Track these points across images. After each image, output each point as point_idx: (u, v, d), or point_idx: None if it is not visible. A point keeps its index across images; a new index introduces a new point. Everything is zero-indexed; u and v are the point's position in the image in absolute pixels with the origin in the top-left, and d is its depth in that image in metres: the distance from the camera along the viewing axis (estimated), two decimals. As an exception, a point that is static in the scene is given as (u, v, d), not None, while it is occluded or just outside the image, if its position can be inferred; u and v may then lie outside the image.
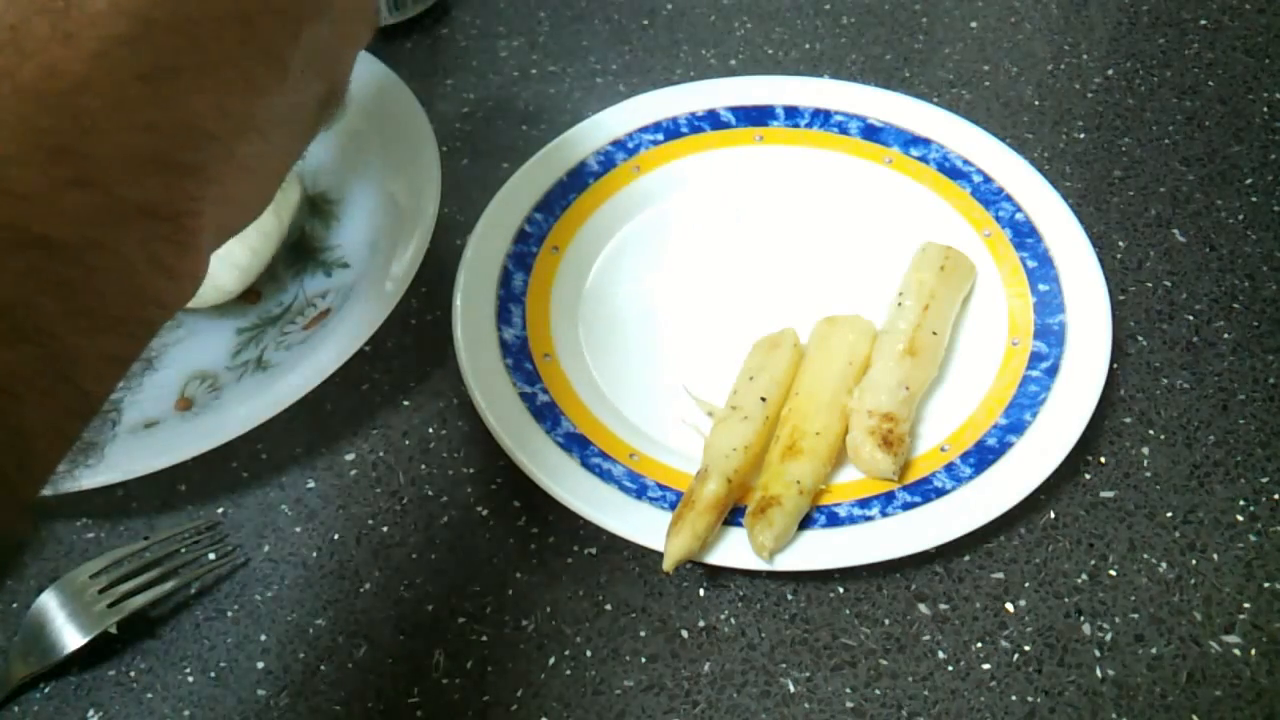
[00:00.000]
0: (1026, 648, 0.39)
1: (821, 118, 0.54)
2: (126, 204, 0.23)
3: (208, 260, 0.26)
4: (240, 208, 0.28)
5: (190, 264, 0.25)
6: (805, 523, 0.40)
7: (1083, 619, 0.40)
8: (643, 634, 0.40)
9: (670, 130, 0.53)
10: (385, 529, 0.43)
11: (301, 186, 0.51)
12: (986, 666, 0.39)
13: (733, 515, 0.40)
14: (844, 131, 0.53)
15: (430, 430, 0.46)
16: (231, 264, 0.46)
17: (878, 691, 0.38)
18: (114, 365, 0.24)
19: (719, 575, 0.41)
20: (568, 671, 0.39)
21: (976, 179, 0.51)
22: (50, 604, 0.39)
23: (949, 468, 0.42)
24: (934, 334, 0.45)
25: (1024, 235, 0.49)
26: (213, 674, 0.39)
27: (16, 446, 0.21)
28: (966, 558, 0.41)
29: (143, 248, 0.23)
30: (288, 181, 0.48)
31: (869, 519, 0.40)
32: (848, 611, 0.40)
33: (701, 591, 0.41)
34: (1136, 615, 0.40)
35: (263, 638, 0.40)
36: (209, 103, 0.24)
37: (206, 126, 0.24)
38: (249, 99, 0.26)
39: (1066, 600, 0.40)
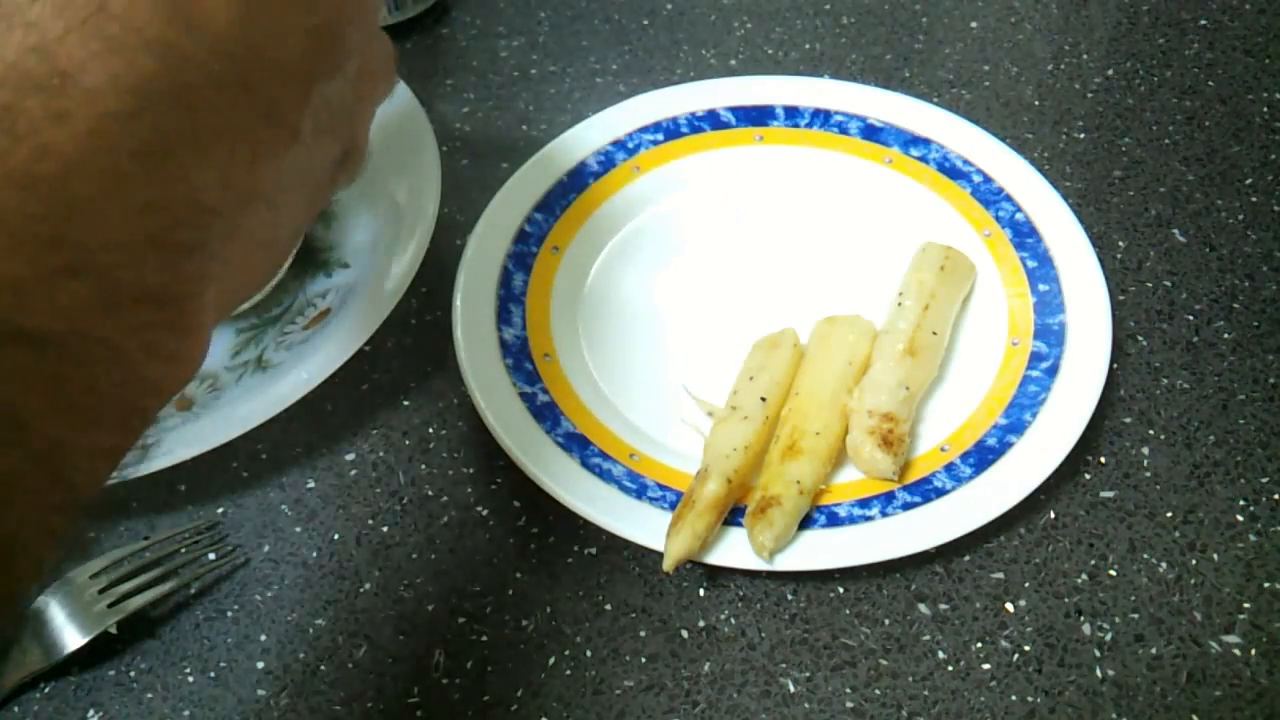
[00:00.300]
0: (1026, 648, 0.39)
1: (821, 118, 0.54)
2: (122, 291, 0.21)
3: (209, 339, 0.24)
4: (247, 279, 0.27)
5: (190, 347, 0.23)
6: (805, 523, 0.40)
7: (1083, 619, 0.40)
8: (643, 634, 0.40)
9: (670, 130, 0.53)
10: (385, 529, 0.43)
11: None
12: (986, 666, 0.39)
13: (733, 515, 0.40)
14: (844, 131, 0.53)
15: (430, 430, 0.46)
16: None
17: (878, 691, 0.38)
18: (107, 459, 0.22)
19: (719, 575, 0.41)
20: (568, 671, 0.39)
21: (976, 179, 0.51)
22: (50, 604, 0.39)
23: (949, 468, 0.42)
24: (934, 334, 0.45)
25: (1024, 235, 0.49)
26: (213, 674, 0.39)
27: (2, 550, 0.20)
28: (966, 558, 0.41)
29: (139, 336, 0.22)
30: None
31: (869, 519, 0.40)
32: (848, 611, 0.40)
33: (701, 591, 0.41)
34: (1136, 615, 0.40)
35: (263, 638, 0.40)
36: (211, 176, 0.23)
37: (208, 201, 0.23)
38: (254, 168, 0.24)
39: (1066, 600, 0.40)
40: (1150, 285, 0.50)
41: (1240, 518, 0.42)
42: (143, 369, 0.22)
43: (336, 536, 0.43)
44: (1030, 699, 0.38)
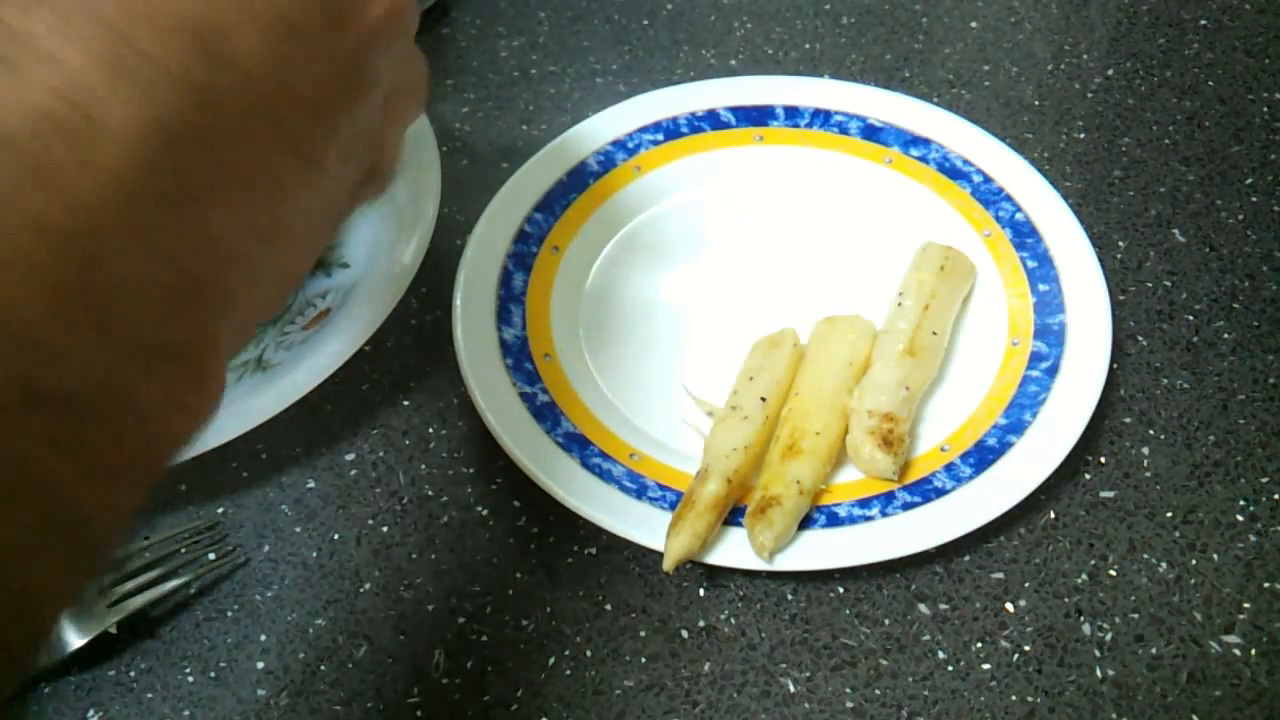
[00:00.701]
0: (1026, 648, 0.39)
1: (821, 118, 0.54)
2: (144, 346, 0.20)
3: (224, 386, 0.23)
4: (260, 311, 0.25)
5: (209, 397, 0.22)
6: (805, 523, 0.40)
7: (1083, 619, 0.40)
8: (643, 634, 0.40)
9: (670, 130, 0.53)
10: (385, 529, 0.43)
11: None
12: (986, 666, 0.39)
13: (733, 515, 0.40)
14: (844, 131, 0.53)
15: (430, 430, 0.46)
16: None
17: (878, 691, 0.38)
18: (123, 515, 0.22)
19: (719, 575, 0.41)
20: (568, 671, 0.39)
21: (976, 179, 0.51)
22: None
23: (949, 468, 0.42)
24: (934, 334, 0.45)
25: (1024, 235, 0.49)
26: (213, 674, 0.39)
27: (19, 609, 0.19)
28: (966, 558, 0.41)
29: (160, 390, 0.21)
30: None
31: (869, 519, 0.40)
32: (848, 611, 0.40)
33: (701, 591, 0.41)
34: (1136, 615, 0.40)
35: (263, 638, 0.40)
36: (235, 219, 0.22)
37: (232, 246, 0.22)
38: (277, 206, 0.23)
39: (1066, 600, 0.40)
40: (1150, 285, 0.50)
41: (1240, 518, 0.42)
42: (162, 423, 0.21)
43: (336, 536, 0.43)
44: (1030, 699, 0.38)
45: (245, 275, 0.23)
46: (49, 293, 0.19)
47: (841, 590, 0.41)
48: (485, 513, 0.43)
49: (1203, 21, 0.63)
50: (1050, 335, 0.45)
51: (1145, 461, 0.44)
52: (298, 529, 0.43)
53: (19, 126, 0.19)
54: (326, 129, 0.24)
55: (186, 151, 0.20)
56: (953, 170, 0.52)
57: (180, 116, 0.20)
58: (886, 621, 0.40)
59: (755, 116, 0.54)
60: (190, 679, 0.39)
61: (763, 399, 0.43)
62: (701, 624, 0.40)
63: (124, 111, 0.19)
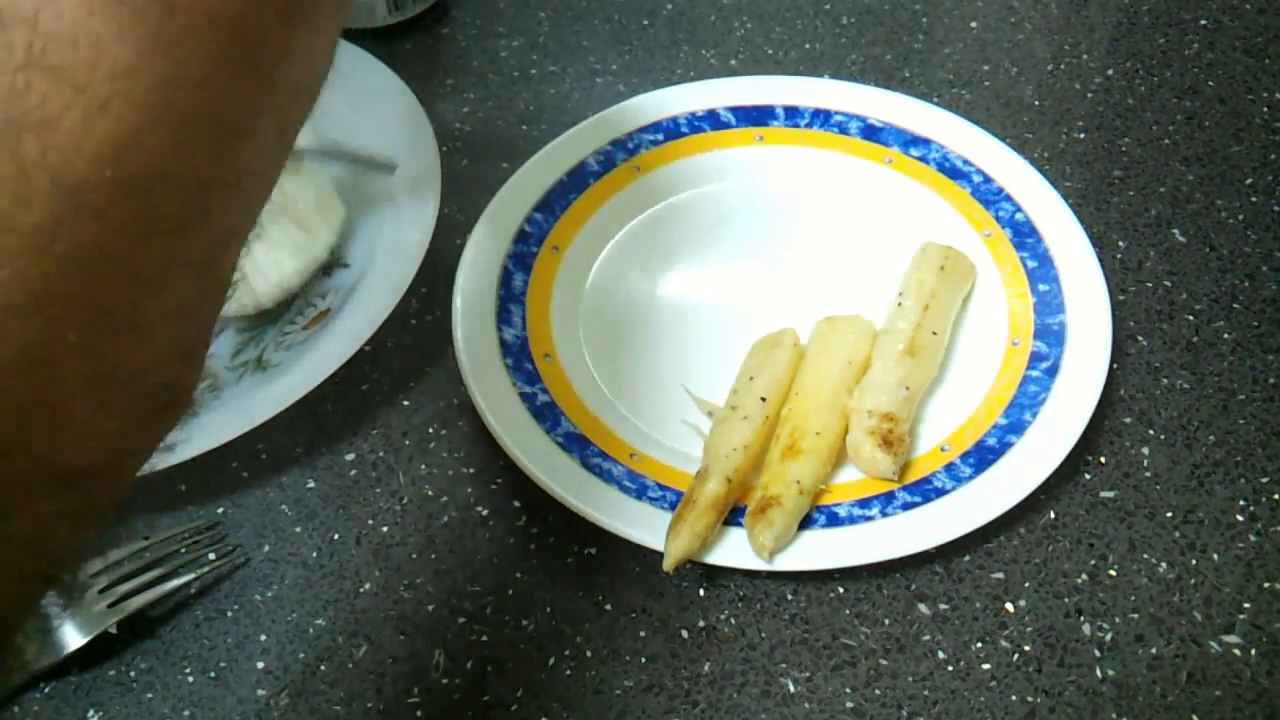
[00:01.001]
0: (1026, 648, 0.39)
1: (821, 118, 0.54)
2: (154, 409, 0.20)
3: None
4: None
5: (175, 424, 0.22)
6: (805, 523, 0.40)
7: (1083, 619, 0.40)
8: (643, 634, 0.40)
9: (670, 130, 0.53)
10: (385, 529, 0.43)
11: (344, 206, 0.50)
12: (986, 666, 0.39)
13: (733, 515, 0.40)
14: (844, 131, 0.53)
15: (430, 430, 0.46)
16: (282, 287, 0.47)
17: (878, 691, 0.38)
18: (87, 548, 0.21)
19: (719, 575, 0.41)
20: (568, 671, 0.39)
21: (976, 179, 0.51)
22: (50, 604, 0.39)
23: (949, 468, 0.42)
24: (934, 334, 0.45)
25: (1024, 235, 0.49)
26: (213, 674, 0.39)
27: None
28: (966, 558, 0.41)
29: (158, 438, 0.21)
30: (332, 202, 0.48)
31: (869, 519, 0.40)
32: (848, 611, 0.40)
33: (701, 591, 0.41)
34: (1136, 615, 0.40)
35: (263, 638, 0.40)
36: (236, 251, 0.21)
37: (225, 274, 0.21)
38: (258, 204, 0.22)
39: (1066, 600, 0.40)
40: (1150, 285, 0.50)
41: (1240, 518, 0.42)
42: (145, 463, 0.21)
43: (336, 536, 0.43)
44: (1030, 699, 0.38)
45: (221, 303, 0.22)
46: (92, 374, 0.18)
47: (841, 590, 0.41)
48: (485, 513, 0.43)
49: (1203, 21, 0.63)
50: (1050, 335, 0.45)
51: (1145, 461, 0.44)
52: (298, 529, 0.43)
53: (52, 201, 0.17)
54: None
55: (219, 196, 0.19)
56: (953, 170, 0.52)
57: (208, 110, 0.18)
58: (886, 621, 0.40)
59: (755, 116, 0.54)
60: (190, 679, 0.39)
61: (763, 399, 0.43)
62: (701, 624, 0.40)
63: (185, 167, 0.18)
